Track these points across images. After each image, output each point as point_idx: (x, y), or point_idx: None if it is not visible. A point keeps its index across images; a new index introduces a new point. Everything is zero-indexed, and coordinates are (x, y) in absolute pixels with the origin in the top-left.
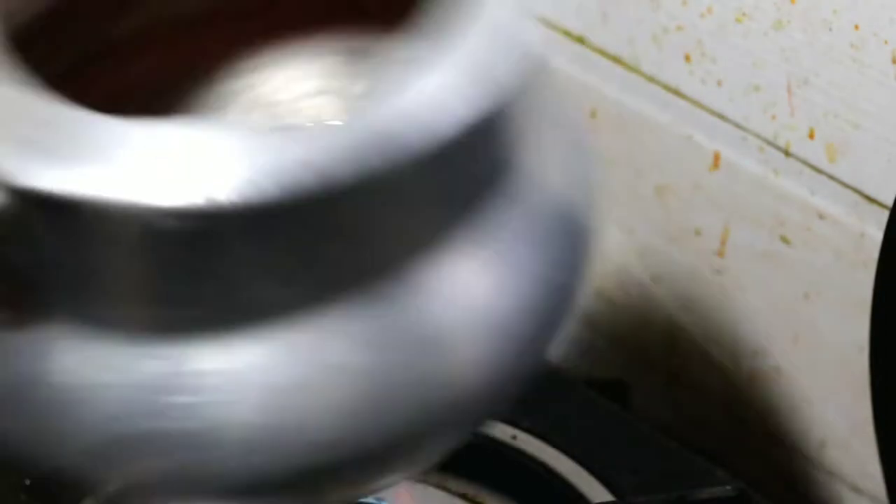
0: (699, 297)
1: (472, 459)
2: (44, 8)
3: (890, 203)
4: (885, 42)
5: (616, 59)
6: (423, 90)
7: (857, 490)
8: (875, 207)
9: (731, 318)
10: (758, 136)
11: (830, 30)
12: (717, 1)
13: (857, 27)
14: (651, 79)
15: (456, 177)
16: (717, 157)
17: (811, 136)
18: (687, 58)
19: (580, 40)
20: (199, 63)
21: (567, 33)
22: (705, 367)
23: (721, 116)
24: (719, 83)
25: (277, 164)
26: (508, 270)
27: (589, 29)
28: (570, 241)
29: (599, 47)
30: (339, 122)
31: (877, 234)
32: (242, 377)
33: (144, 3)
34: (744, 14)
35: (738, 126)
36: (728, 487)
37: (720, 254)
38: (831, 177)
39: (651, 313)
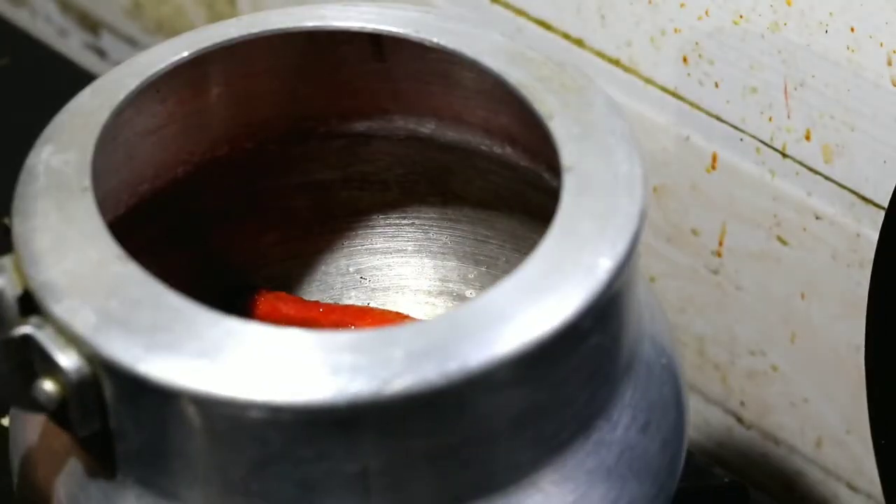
0: (697, 296)
1: None
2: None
3: (885, 204)
4: (881, 44)
5: (614, 62)
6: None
7: (852, 488)
8: (871, 208)
9: (729, 317)
10: (755, 137)
11: (826, 32)
12: (714, 3)
13: (853, 29)
14: (649, 81)
15: (535, 407)
16: (714, 158)
17: (808, 137)
18: (684, 60)
19: (579, 43)
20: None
21: (566, 36)
22: (703, 366)
23: (718, 118)
24: (717, 85)
25: (365, 375)
26: None
27: (588, 31)
28: (647, 481)
29: (598, 49)
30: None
31: (872, 235)
32: None
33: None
34: (741, 16)
35: (735, 127)
36: (725, 480)
37: (718, 254)
38: (827, 178)
39: None
